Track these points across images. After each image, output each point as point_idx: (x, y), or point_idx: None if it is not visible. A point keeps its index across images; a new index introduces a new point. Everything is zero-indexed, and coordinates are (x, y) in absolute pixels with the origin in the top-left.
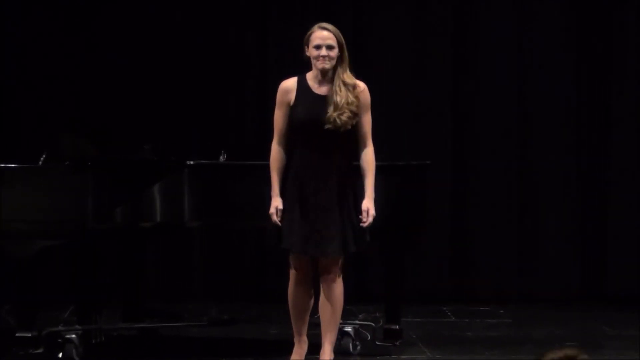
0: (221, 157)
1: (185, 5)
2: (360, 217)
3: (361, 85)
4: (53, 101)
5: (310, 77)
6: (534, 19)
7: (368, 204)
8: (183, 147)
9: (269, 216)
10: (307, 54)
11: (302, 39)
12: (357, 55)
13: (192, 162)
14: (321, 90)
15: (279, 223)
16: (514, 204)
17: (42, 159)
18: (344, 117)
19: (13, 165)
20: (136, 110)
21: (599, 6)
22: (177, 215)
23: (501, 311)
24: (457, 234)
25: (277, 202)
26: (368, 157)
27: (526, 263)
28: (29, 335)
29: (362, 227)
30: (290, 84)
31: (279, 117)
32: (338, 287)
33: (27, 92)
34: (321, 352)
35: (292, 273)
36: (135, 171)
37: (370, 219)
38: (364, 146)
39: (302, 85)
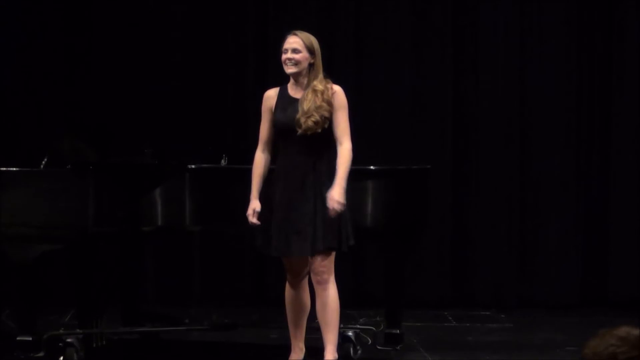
0: (222, 162)
1: (185, 6)
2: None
3: (335, 87)
4: (53, 104)
5: (289, 84)
6: (534, 19)
7: (333, 192)
8: (183, 150)
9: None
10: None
11: None
12: (357, 55)
13: (193, 166)
14: (297, 94)
15: (256, 223)
16: (514, 204)
17: (42, 162)
18: (311, 121)
19: (14, 168)
20: (137, 113)
21: (600, 6)
22: (178, 219)
23: (502, 316)
24: (457, 237)
25: (254, 205)
26: (342, 152)
27: (527, 267)
28: (30, 339)
29: (339, 227)
30: (271, 92)
31: (262, 125)
32: (331, 288)
33: (28, 94)
34: (325, 353)
35: (287, 277)
36: (136, 175)
37: (337, 207)
38: (340, 144)
39: (282, 92)
